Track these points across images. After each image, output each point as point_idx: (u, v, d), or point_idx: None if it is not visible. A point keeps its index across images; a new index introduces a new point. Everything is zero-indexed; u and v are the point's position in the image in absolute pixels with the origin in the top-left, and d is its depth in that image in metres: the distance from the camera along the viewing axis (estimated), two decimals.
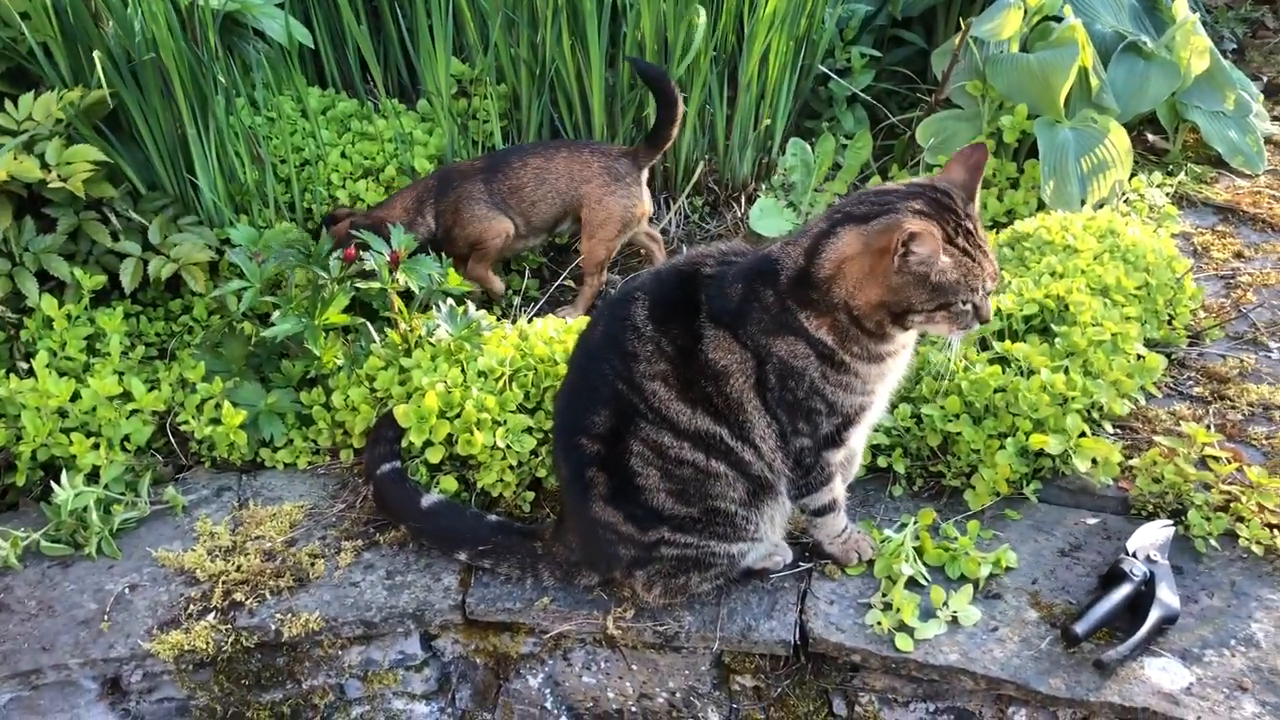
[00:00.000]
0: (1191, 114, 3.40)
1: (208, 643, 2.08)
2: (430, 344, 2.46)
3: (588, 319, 2.13)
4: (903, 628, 1.97)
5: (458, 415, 2.29)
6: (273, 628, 2.10)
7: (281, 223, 3.07)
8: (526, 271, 3.22)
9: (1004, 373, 2.28)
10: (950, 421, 2.25)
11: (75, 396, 2.42)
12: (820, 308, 1.80)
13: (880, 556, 2.09)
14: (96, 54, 2.69)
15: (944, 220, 1.74)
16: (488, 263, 3.00)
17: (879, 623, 1.98)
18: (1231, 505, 2.13)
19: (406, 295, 2.49)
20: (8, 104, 2.72)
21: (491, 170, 2.95)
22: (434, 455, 2.29)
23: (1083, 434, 2.20)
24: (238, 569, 2.21)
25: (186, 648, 2.07)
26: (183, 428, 2.50)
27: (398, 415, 2.29)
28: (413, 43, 3.40)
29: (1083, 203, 3.06)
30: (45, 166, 2.59)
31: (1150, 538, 2.05)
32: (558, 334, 2.46)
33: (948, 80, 3.34)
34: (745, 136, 3.38)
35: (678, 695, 2.15)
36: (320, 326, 2.43)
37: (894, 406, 2.27)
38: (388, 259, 2.43)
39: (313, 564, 2.22)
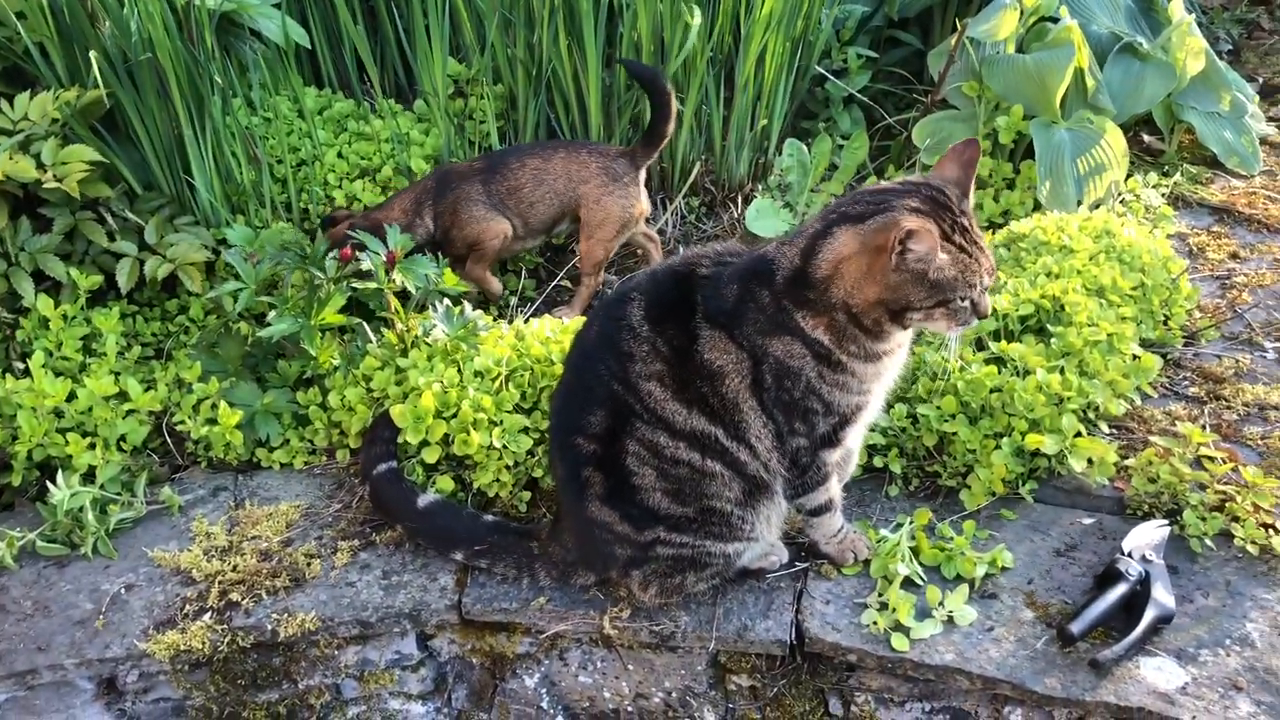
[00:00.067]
0: (1187, 115, 3.41)
1: (204, 643, 2.08)
2: (427, 344, 2.46)
3: (584, 319, 2.13)
4: (899, 627, 1.97)
5: (454, 415, 2.29)
6: (269, 628, 2.10)
7: (278, 223, 3.07)
8: (523, 272, 3.22)
9: (1000, 373, 2.28)
10: (946, 421, 2.25)
11: (71, 396, 2.42)
12: (817, 307, 1.80)
13: (876, 556, 2.09)
14: (93, 54, 2.68)
15: (940, 217, 1.75)
16: (486, 263, 3.00)
17: (875, 622, 1.98)
18: (1227, 505, 2.13)
19: (403, 295, 2.49)
20: (3, 104, 2.72)
21: (489, 171, 2.95)
22: (430, 455, 2.29)
23: (1078, 434, 2.20)
24: (234, 569, 2.21)
25: (182, 648, 2.07)
26: (179, 428, 2.50)
27: (394, 415, 2.29)
28: (409, 43, 3.40)
29: (1079, 203, 3.06)
30: (41, 166, 2.59)
31: (1146, 537, 2.06)
32: (554, 334, 2.46)
33: (944, 81, 3.34)
34: (742, 137, 3.38)
35: (674, 695, 2.15)
36: (316, 326, 2.43)
37: (890, 406, 2.27)
38: (384, 259, 2.43)
39: (309, 564, 2.22)
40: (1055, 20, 3.21)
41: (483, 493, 2.32)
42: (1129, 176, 3.25)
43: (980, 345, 2.43)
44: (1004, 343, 2.37)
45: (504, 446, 2.25)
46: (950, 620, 1.98)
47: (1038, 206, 3.12)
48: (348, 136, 3.41)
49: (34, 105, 2.69)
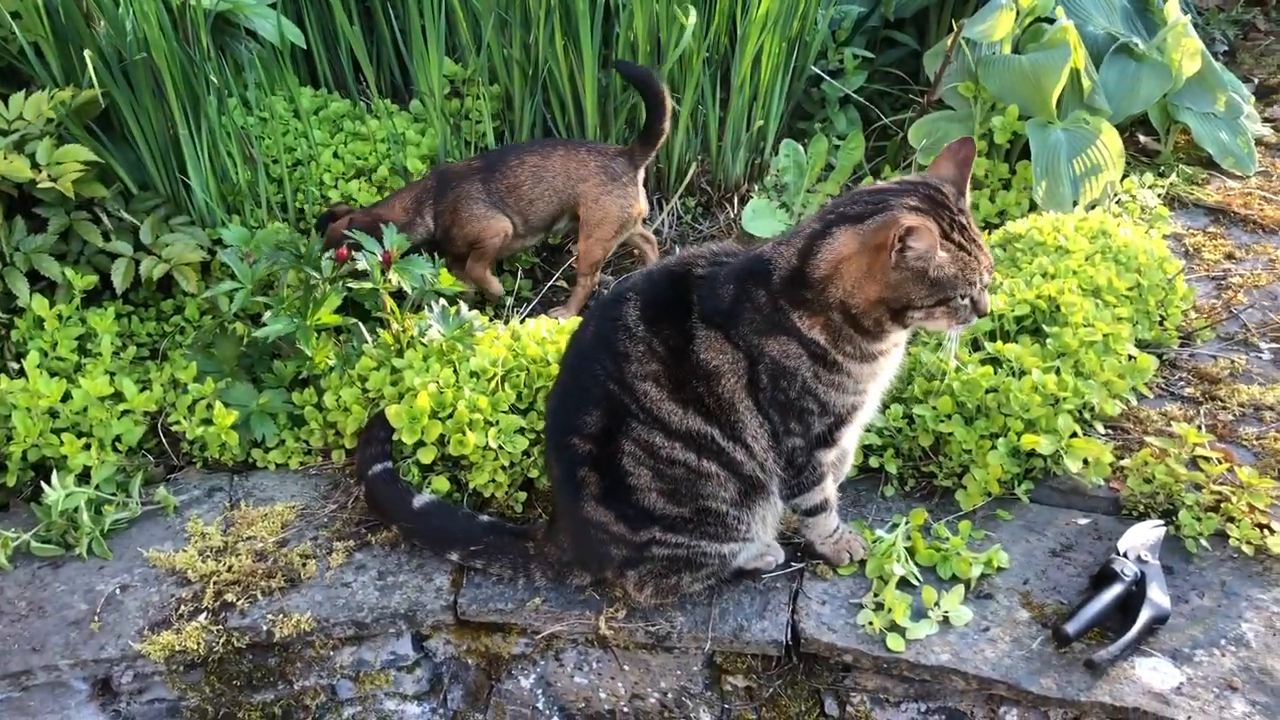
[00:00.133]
0: (1183, 115, 3.41)
1: (199, 643, 2.07)
2: (422, 344, 2.46)
3: (580, 319, 2.13)
4: (894, 628, 1.97)
5: (450, 416, 2.28)
6: (264, 628, 2.10)
7: (274, 223, 3.06)
8: (519, 272, 3.22)
9: (996, 373, 2.29)
10: (942, 422, 2.25)
11: (66, 397, 2.42)
12: (814, 307, 1.80)
13: (872, 557, 2.09)
14: (88, 53, 2.68)
15: (939, 216, 1.75)
16: (487, 262, 2.99)
17: (871, 623, 1.98)
18: (1222, 505, 2.13)
19: (399, 295, 2.49)
20: None
21: (489, 169, 2.95)
22: (426, 456, 2.29)
23: (1074, 434, 2.21)
24: (229, 569, 2.20)
25: (177, 648, 2.07)
26: (174, 428, 2.50)
27: (389, 416, 2.29)
28: (405, 43, 3.40)
29: (1075, 204, 3.07)
30: (36, 166, 2.58)
31: (1141, 538, 2.06)
32: (550, 334, 2.46)
33: (940, 81, 3.34)
34: (738, 137, 3.38)
35: (670, 695, 2.15)
36: (312, 327, 2.43)
37: (886, 407, 2.27)
38: (380, 259, 2.43)
39: (304, 564, 2.21)
40: (1051, 21, 3.21)
41: (478, 493, 2.32)
42: (1125, 177, 3.25)
43: (976, 346, 2.43)
44: (1000, 343, 2.37)
45: (500, 447, 2.25)
46: (946, 620, 1.98)
47: (1033, 207, 3.13)
48: (343, 136, 3.40)
49: (29, 105, 2.69)
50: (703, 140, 3.40)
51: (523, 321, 2.58)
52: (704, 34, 3.14)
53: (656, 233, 3.32)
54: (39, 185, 2.57)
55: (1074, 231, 2.74)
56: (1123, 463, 2.26)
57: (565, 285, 3.18)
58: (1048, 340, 2.38)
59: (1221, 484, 2.17)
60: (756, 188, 3.40)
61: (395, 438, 2.31)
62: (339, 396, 2.45)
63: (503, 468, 2.28)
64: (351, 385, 2.45)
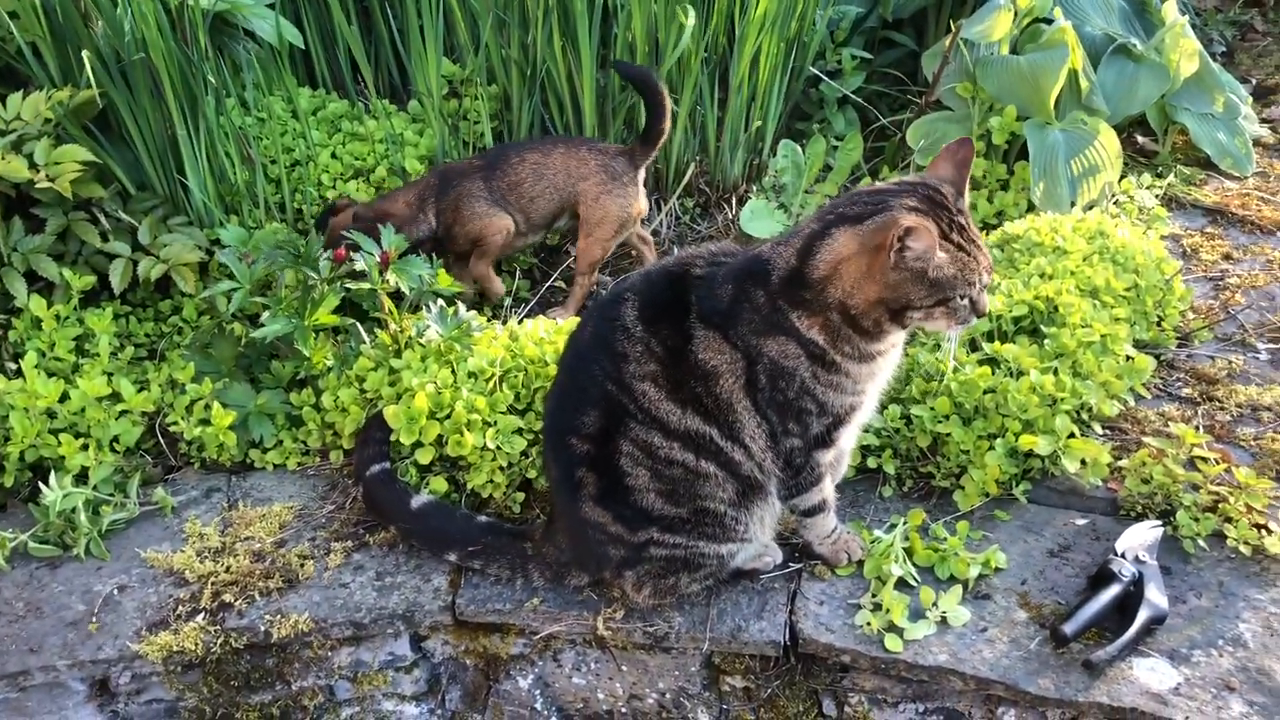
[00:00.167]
0: (1181, 116, 3.41)
1: (196, 644, 2.07)
2: (420, 345, 2.46)
3: (578, 320, 2.13)
4: (892, 628, 1.97)
5: (448, 416, 2.28)
6: (262, 629, 2.10)
7: (271, 223, 3.06)
8: (517, 272, 3.22)
9: (993, 374, 2.29)
10: (940, 422, 2.26)
11: (64, 397, 2.41)
12: (812, 308, 1.80)
13: (870, 557, 2.09)
14: (85, 54, 2.68)
15: (938, 216, 1.75)
16: (489, 260, 2.99)
17: (868, 623, 1.98)
18: (1219, 506, 2.13)
19: (396, 296, 2.49)
20: None
21: (490, 167, 2.95)
22: (424, 456, 2.29)
23: (1072, 435, 2.21)
24: (227, 570, 2.20)
25: (175, 649, 2.07)
26: (172, 429, 2.50)
27: (387, 416, 2.29)
28: (403, 43, 3.40)
29: (1072, 204, 3.07)
30: (34, 166, 2.58)
31: (1139, 538, 2.06)
32: (548, 335, 2.46)
33: (938, 82, 3.34)
34: (736, 138, 3.38)
35: (667, 696, 2.15)
36: (310, 327, 2.43)
37: (884, 407, 2.27)
38: (378, 259, 2.43)
39: (302, 565, 2.21)
40: (1049, 22, 3.22)
41: (476, 494, 2.32)
42: (1123, 178, 3.25)
43: (974, 346, 2.43)
44: (998, 344, 2.37)
45: (498, 448, 2.25)
46: (944, 621, 1.99)
47: (1031, 208, 3.13)
48: (342, 137, 3.40)
49: (27, 105, 2.69)
50: (701, 141, 3.40)
51: (520, 322, 2.58)
52: (702, 34, 3.14)
53: (654, 233, 3.32)
54: (37, 185, 2.57)
55: (1072, 232, 2.74)
56: (1120, 463, 2.26)
57: (563, 286, 3.18)
58: (1045, 341, 2.39)
59: (1219, 484, 2.17)
60: (755, 188, 3.40)
61: (393, 438, 2.30)
62: (337, 397, 2.45)
63: (501, 468, 2.28)
64: (349, 386, 2.45)
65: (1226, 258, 3.03)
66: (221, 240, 2.72)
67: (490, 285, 3.02)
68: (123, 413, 2.46)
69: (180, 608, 2.14)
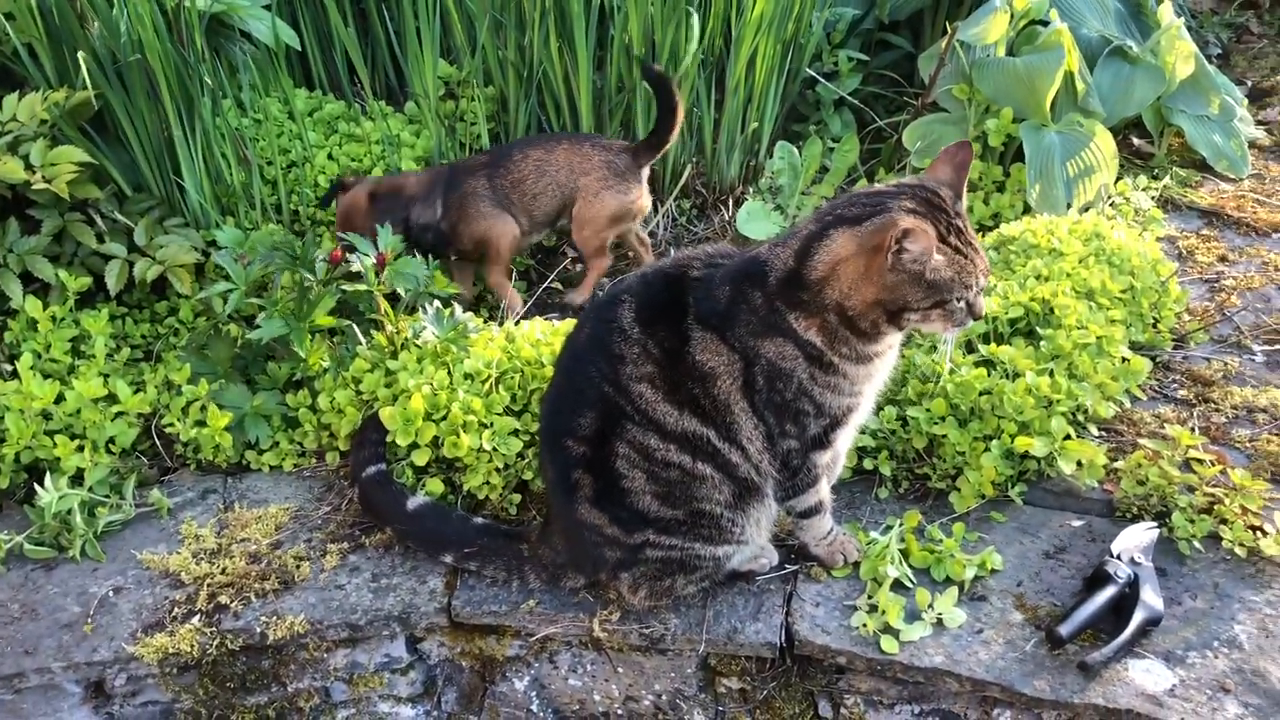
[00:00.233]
0: (1177, 118, 3.42)
1: (192, 646, 2.07)
2: (416, 346, 2.46)
3: (575, 322, 2.14)
4: (888, 630, 1.97)
5: (444, 418, 2.28)
6: (258, 630, 2.09)
7: (268, 224, 3.06)
8: (513, 274, 3.21)
9: (989, 375, 2.29)
10: (936, 424, 2.26)
11: (60, 399, 2.41)
12: (810, 309, 1.80)
13: (866, 559, 2.09)
14: (82, 55, 2.68)
15: (936, 218, 1.75)
16: (502, 267, 2.97)
17: (864, 625, 1.98)
18: (1215, 507, 2.14)
19: (393, 297, 2.49)
20: None
21: (494, 165, 2.95)
22: (420, 458, 2.28)
23: (1068, 437, 2.21)
24: (223, 572, 2.20)
25: (171, 651, 2.06)
26: (168, 430, 2.50)
27: (383, 418, 2.29)
28: (400, 45, 3.40)
29: (1068, 206, 3.07)
30: (30, 168, 2.58)
31: (1134, 540, 2.06)
32: (544, 336, 2.46)
33: (934, 84, 3.35)
34: (733, 140, 3.38)
35: (663, 698, 2.15)
36: (306, 328, 2.43)
37: (880, 409, 2.28)
38: (374, 261, 2.42)
39: (298, 566, 2.21)
40: (1045, 23, 3.22)
41: (472, 495, 2.32)
42: (1118, 179, 3.26)
43: (970, 348, 2.44)
44: (994, 345, 2.37)
45: (494, 449, 2.25)
46: (939, 622, 1.99)
47: (1027, 209, 3.13)
48: (338, 138, 3.40)
49: (22, 106, 2.69)
50: (698, 142, 3.41)
51: (517, 323, 2.58)
52: (699, 36, 3.14)
53: (651, 235, 3.32)
54: (33, 187, 2.57)
55: (1068, 234, 2.74)
56: (1116, 465, 2.26)
57: (560, 287, 3.18)
58: (1041, 343, 2.39)
59: (1214, 486, 2.17)
60: (751, 190, 3.40)
61: (389, 440, 2.30)
62: (333, 398, 2.45)
63: (497, 470, 2.28)
64: (345, 387, 2.45)
65: (1222, 260, 3.04)
66: (218, 241, 2.71)
67: (505, 294, 2.99)
68: (118, 414, 2.45)
69: (176, 609, 2.14)
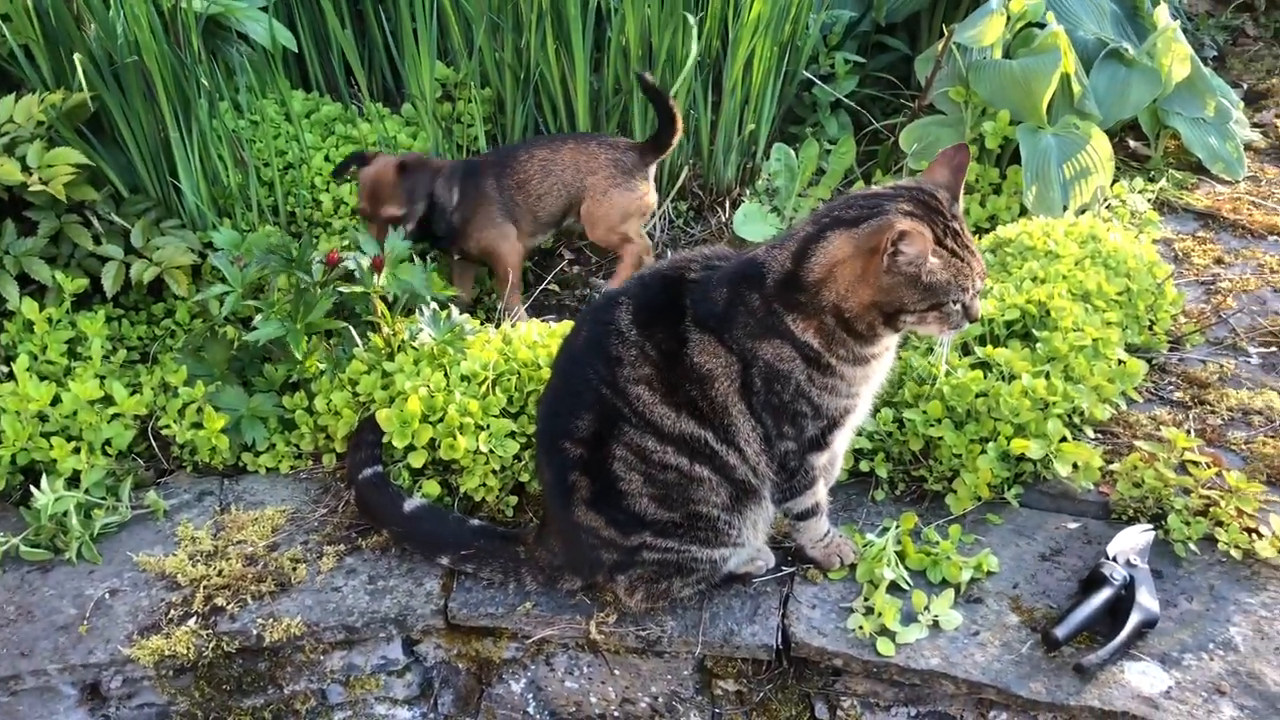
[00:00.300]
0: (1173, 120, 3.43)
1: (188, 648, 2.07)
2: (413, 348, 2.46)
3: (572, 324, 2.13)
4: (884, 632, 1.97)
5: (440, 420, 2.28)
6: (254, 633, 2.09)
7: (265, 226, 3.06)
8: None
9: (985, 378, 2.29)
10: (932, 426, 2.26)
11: (56, 400, 2.41)
12: (807, 310, 1.80)
13: (862, 561, 2.09)
14: (78, 56, 2.68)
15: (932, 221, 1.75)
16: (514, 286, 2.94)
17: (861, 627, 1.98)
18: (1211, 510, 2.14)
19: (389, 299, 2.49)
20: None
21: (500, 164, 2.95)
22: (416, 460, 2.28)
23: (1064, 439, 2.21)
24: (219, 574, 2.20)
25: (167, 653, 2.06)
26: (164, 432, 2.49)
27: (380, 419, 2.29)
28: (397, 46, 3.40)
29: (1065, 208, 3.07)
30: (26, 169, 2.58)
31: (1130, 542, 2.06)
32: (541, 338, 2.46)
33: (931, 86, 3.35)
34: (729, 142, 3.38)
35: (660, 700, 2.15)
36: (303, 330, 2.42)
37: (876, 410, 2.28)
38: (371, 262, 2.42)
39: (294, 569, 2.21)
40: (1042, 26, 3.22)
41: (469, 497, 2.32)
42: (1115, 182, 3.26)
43: (966, 350, 2.44)
44: (990, 347, 2.38)
45: (491, 451, 2.25)
46: (936, 625, 1.99)
47: (1024, 211, 3.13)
48: (335, 140, 3.40)
49: (19, 108, 2.68)
50: (694, 144, 3.41)
51: (514, 325, 2.58)
52: (696, 38, 3.14)
53: (649, 236, 3.32)
54: (29, 188, 2.57)
55: (1064, 236, 2.74)
56: (1112, 467, 2.27)
57: (557, 289, 3.17)
58: (1037, 345, 2.39)
59: (1210, 488, 2.17)
60: (748, 192, 3.40)
61: (386, 442, 2.30)
62: (329, 400, 2.45)
63: (494, 472, 2.28)
64: (342, 389, 2.45)
65: (1218, 262, 3.04)
66: (214, 243, 2.71)
67: (517, 308, 2.92)
68: (115, 416, 2.45)
69: (172, 611, 2.13)
